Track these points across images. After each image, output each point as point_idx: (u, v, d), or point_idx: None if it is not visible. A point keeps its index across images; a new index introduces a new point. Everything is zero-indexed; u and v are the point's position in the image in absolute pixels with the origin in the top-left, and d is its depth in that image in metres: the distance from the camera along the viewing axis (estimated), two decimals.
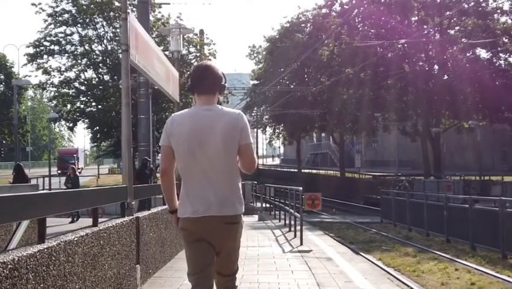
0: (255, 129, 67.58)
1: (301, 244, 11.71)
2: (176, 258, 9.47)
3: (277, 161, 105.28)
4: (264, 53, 60.34)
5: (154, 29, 31.65)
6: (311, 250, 10.78)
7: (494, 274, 10.49)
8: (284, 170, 72.91)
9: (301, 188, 13.39)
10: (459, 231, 15.31)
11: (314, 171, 63.54)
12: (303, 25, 55.86)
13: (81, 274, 4.70)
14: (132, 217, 6.73)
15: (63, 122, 44.47)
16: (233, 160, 3.79)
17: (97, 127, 39.86)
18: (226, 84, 3.94)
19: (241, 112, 3.98)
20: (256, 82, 60.97)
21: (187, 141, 3.72)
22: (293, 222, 14.04)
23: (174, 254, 9.68)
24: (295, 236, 12.96)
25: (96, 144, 46.05)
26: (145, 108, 19.69)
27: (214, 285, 3.87)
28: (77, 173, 19.60)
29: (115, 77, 35.06)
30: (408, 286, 9.15)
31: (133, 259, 6.63)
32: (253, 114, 62.37)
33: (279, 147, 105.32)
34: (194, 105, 3.93)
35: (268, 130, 66.80)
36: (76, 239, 4.61)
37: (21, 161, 58.94)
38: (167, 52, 19.09)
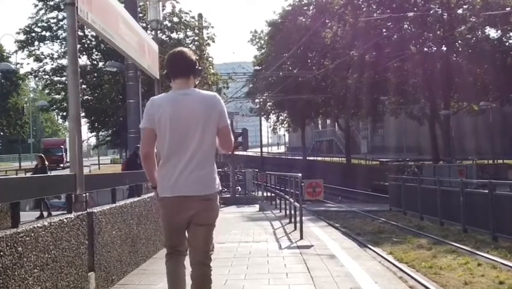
0: (258, 117, 66.17)
1: (301, 238, 10.30)
2: (154, 258, 8.09)
3: (282, 149, 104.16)
4: (266, 38, 58.68)
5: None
6: (312, 246, 9.37)
7: None
8: (289, 157, 71.61)
9: (300, 175, 11.94)
10: (478, 219, 13.79)
11: (319, 158, 62.06)
12: (305, 8, 54.29)
13: None
14: (81, 213, 5.33)
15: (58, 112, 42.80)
16: (212, 142, 3.91)
17: (94, 116, 38.40)
18: (200, 68, 4.06)
19: (217, 94, 4.06)
20: (258, 68, 59.37)
21: (167, 123, 3.81)
22: (293, 212, 12.65)
23: (152, 253, 8.27)
24: (295, 228, 11.58)
25: (93, 133, 44.58)
26: (134, 92, 18.24)
27: (189, 258, 4.01)
28: (46, 163, 17.71)
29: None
30: (426, 287, 7.76)
31: (83, 265, 5.26)
32: (256, 101, 60.87)
33: (284, 135, 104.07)
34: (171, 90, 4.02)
35: (272, 117, 65.34)
36: None
37: (21, 154, 57.86)
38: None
